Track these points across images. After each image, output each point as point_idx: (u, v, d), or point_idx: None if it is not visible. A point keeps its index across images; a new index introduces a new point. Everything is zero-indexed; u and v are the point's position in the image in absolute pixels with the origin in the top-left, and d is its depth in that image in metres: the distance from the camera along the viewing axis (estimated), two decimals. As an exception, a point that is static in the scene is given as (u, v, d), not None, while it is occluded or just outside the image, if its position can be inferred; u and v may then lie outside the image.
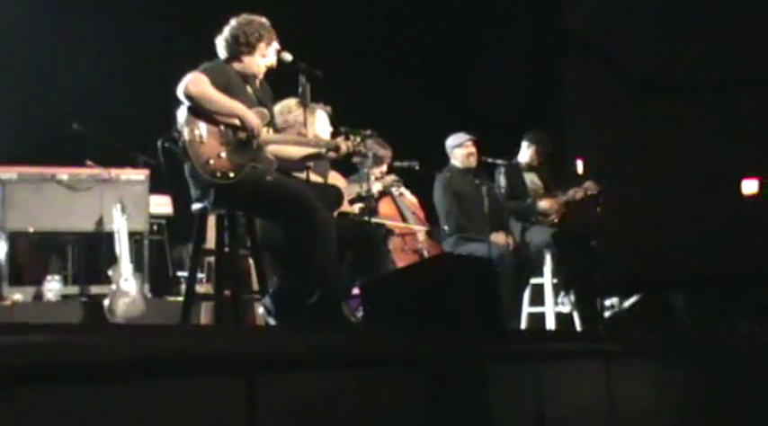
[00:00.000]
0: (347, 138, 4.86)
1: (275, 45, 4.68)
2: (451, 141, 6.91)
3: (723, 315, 8.00)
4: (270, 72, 4.78)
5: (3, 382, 1.88)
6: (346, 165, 5.75)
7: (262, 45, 4.63)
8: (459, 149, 6.84)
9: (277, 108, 5.12)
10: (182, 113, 4.35)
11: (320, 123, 5.25)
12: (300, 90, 4.84)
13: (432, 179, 6.82)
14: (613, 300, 7.36)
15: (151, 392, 2.21)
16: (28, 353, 1.95)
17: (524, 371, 3.98)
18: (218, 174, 4.29)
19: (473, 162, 6.79)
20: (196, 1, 7.53)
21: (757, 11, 11.22)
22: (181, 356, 2.33)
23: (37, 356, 1.96)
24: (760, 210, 11.52)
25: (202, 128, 4.32)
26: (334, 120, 5.33)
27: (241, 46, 4.60)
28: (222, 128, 4.36)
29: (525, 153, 7.17)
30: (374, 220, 5.68)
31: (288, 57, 4.75)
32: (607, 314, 7.16)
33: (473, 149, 6.81)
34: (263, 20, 4.68)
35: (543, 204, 6.96)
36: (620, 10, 11.48)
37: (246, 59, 4.62)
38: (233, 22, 4.65)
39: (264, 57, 4.65)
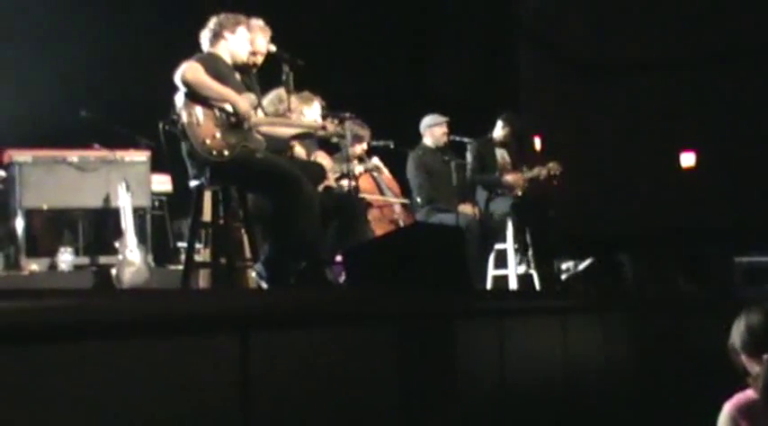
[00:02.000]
0: (332, 122, 4.91)
1: (261, 34, 4.66)
2: (428, 120, 6.91)
3: (661, 272, 8.09)
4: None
5: (23, 341, 1.87)
6: (330, 145, 5.76)
7: (241, 28, 4.60)
8: (437, 128, 6.84)
9: (270, 97, 5.12)
10: (179, 98, 4.34)
11: (314, 111, 5.27)
12: (284, 78, 4.84)
13: (404, 156, 6.83)
14: (569, 264, 7.40)
15: (157, 349, 2.20)
16: (46, 315, 1.93)
17: (488, 326, 3.99)
18: (214, 153, 4.28)
19: (445, 140, 6.80)
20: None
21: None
22: (182, 316, 2.32)
23: (53, 318, 1.94)
24: (696, 181, 11.60)
25: (198, 111, 4.30)
26: (327, 110, 5.35)
27: (224, 29, 4.58)
28: (216, 111, 4.35)
29: (499, 131, 7.16)
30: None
31: (272, 48, 4.74)
32: (564, 276, 7.21)
33: (446, 129, 6.82)
34: (242, 15, 4.67)
35: (509, 178, 6.98)
36: (563, 1, 11.51)
37: (229, 40, 4.59)
38: (213, 17, 4.64)
39: (246, 43, 4.62)
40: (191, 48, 4.60)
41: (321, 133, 4.93)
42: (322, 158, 5.40)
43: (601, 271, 7.51)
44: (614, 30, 11.69)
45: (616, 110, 11.88)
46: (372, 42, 8.99)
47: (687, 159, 11.87)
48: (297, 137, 4.92)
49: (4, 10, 7.14)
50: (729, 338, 3.26)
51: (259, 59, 4.75)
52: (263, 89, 5.04)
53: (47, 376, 1.92)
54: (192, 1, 7.08)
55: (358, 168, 5.96)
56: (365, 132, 6.21)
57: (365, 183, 6.32)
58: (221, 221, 4.54)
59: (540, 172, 6.95)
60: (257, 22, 4.78)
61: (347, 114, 5.23)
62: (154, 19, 7.50)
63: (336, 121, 5.01)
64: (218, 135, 4.30)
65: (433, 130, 6.85)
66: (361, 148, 6.23)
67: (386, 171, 6.56)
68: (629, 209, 11.54)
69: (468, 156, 6.90)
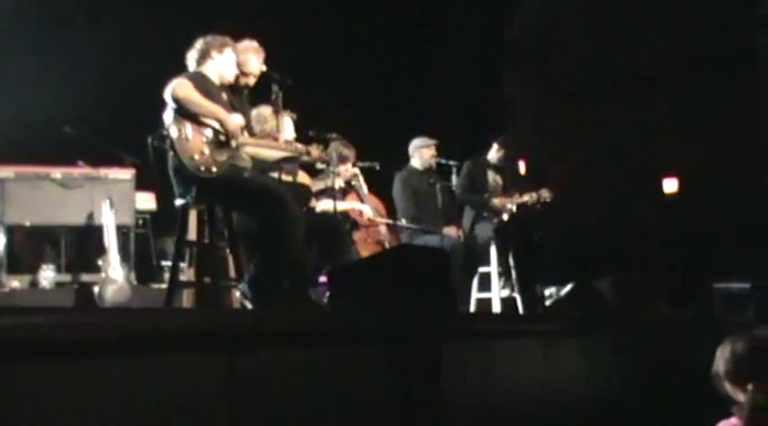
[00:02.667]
0: (318, 146, 4.90)
1: (252, 55, 4.67)
2: (417, 142, 6.91)
3: (641, 296, 8.11)
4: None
5: (4, 358, 1.83)
6: (313, 168, 5.74)
7: (228, 50, 4.61)
8: (426, 149, 6.84)
9: (253, 115, 5.10)
10: (168, 114, 4.34)
11: (287, 127, 5.25)
12: (273, 97, 4.83)
13: (390, 177, 6.82)
14: (551, 289, 7.39)
15: (140, 367, 2.17)
16: (27, 333, 1.90)
17: (473, 347, 3.98)
18: (202, 168, 4.27)
19: (433, 162, 6.80)
20: (179, 11, 7.47)
21: (675, 24, 11.34)
22: (167, 335, 2.29)
23: (35, 335, 1.91)
24: (679, 207, 11.63)
25: (188, 127, 4.30)
26: (300, 125, 5.32)
27: (211, 49, 4.59)
28: (205, 128, 4.34)
29: (494, 154, 7.17)
30: (341, 205, 5.68)
31: (262, 67, 4.73)
32: (547, 302, 7.20)
33: (435, 151, 6.82)
34: (228, 38, 4.67)
35: (496, 201, 6.97)
36: (552, 25, 11.56)
37: (216, 59, 4.60)
38: (200, 39, 4.65)
39: (232, 64, 4.63)
40: (177, 66, 4.60)
41: (306, 158, 4.92)
42: (302, 178, 5.38)
43: (584, 295, 7.51)
44: (598, 55, 11.75)
45: (598, 134, 11.91)
46: (361, 63, 9.01)
47: (670, 185, 11.91)
48: (282, 160, 4.88)
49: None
50: (713, 364, 3.24)
51: (251, 80, 4.77)
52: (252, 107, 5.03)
53: (27, 393, 1.88)
54: (180, 18, 7.09)
55: (338, 182, 5.90)
56: (350, 152, 6.19)
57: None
58: (206, 240, 4.50)
59: (530, 198, 6.93)
60: (251, 44, 4.79)
61: (333, 135, 5.21)
62: (140, 36, 7.49)
63: (322, 147, 5.00)
64: (206, 151, 4.29)
65: (421, 152, 6.85)
66: (345, 168, 6.20)
67: (364, 186, 6.52)
68: (611, 234, 11.55)
69: (454, 178, 6.86)
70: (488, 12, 10.91)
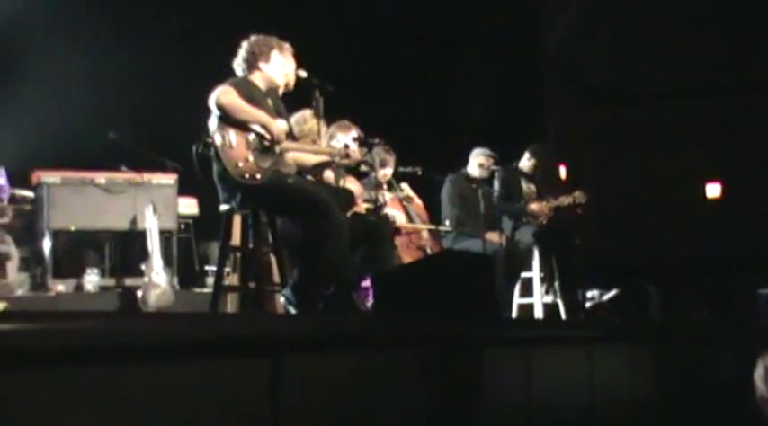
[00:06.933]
0: (359, 150, 4.87)
1: (290, 56, 4.64)
2: (479, 151, 6.95)
3: (683, 302, 8.01)
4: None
5: (49, 362, 1.83)
6: (356, 170, 5.72)
7: (274, 53, 4.58)
8: (484, 159, 6.88)
9: (293, 118, 5.08)
10: (212, 122, 4.33)
11: (348, 139, 5.24)
12: (314, 103, 4.81)
13: (432, 182, 6.81)
14: (594, 293, 7.32)
15: (184, 372, 2.16)
16: (72, 337, 1.89)
17: (515, 354, 3.94)
18: (247, 176, 4.26)
19: (486, 173, 6.83)
20: (221, 21, 7.50)
21: (712, 26, 11.21)
22: (212, 340, 2.27)
23: (80, 339, 1.90)
24: (722, 212, 11.48)
25: (232, 134, 4.29)
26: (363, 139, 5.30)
27: (257, 57, 4.56)
28: (249, 135, 4.32)
29: (526, 162, 7.15)
30: (386, 210, 5.66)
31: (302, 73, 4.72)
32: (588, 304, 7.13)
33: (492, 163, 6.86)
34: (273, 37, 4.63)
35: (534, 206, 6.95)
36: (589, 32, 11.48)
37: (264, 69, 4.58)
38: (244, 43, 4.62)
39: (281, 68, 4.59)
40: (219, 73, 4.58)
41: (345, 161, 4.89)
42: (351, 183, 5.36)
43: (627, 301, 7.43)
44: (640, 60, 11.65)
45: (642, 140, 11.80)
46: (401, 70, 9.00)
47: (713, 189, 11.76)
48: (321, 165, 4.86)
49: (34, 32, 7.19)
50: (756, 393, 3.13)
51: (291, 82, 4.70)
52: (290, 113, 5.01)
53: (74, 398, 1.87)
54: (222, 25, 7.12)
55: (388, 195, 5.89)
56: (390, 156, 6.18)
57: (395, 210, 6.28)
58: (251, 245, 4.50)
59: (564, 200, 6.90)
60: (286, 46, 4.75)
61: (376, 139, 5.19)
62: (182, 43, 7.53)
63: (365, 150, 4.97)
64: (250, 158, 4.28)
65: (479, 160, 6.89)
66: (384, 172, 6.19)
67: (417, 199, 6.51)
68: (655, 239, 11.43)
69: (496, 184, 6.87)
70: (527, 19, 10.88)
